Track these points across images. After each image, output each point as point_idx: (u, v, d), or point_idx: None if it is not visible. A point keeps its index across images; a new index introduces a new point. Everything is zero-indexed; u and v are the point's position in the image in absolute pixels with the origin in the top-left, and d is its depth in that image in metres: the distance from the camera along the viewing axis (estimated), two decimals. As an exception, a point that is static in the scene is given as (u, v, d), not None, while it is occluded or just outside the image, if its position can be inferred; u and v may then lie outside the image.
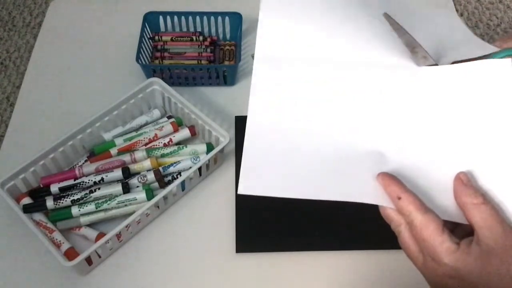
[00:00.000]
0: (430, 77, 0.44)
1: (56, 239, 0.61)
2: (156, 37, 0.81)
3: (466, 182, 0.40)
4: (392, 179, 0.40)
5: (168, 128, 0.70)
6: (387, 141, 0.43)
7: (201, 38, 0.81)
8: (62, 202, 0.62)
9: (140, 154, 0.67)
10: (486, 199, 0.38)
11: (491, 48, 0.47)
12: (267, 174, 0.41)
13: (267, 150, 0.41)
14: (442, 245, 0.37)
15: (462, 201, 0.39)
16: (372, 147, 0.42)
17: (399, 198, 0.39)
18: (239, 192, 0.39)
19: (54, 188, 0.64)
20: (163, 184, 0.65)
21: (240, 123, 0.73)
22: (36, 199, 0.64)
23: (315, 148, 0.42)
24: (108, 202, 0.62)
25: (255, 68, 0.44)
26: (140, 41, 0.76)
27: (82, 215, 0.62)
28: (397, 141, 0.43)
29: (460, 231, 0.39)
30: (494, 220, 0.37)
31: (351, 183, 0.41)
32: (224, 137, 0.66)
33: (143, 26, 0.79)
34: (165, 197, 0.63)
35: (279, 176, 0.41)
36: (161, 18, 0.81)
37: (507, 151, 0.40)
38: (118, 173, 0.64)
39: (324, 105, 0.43)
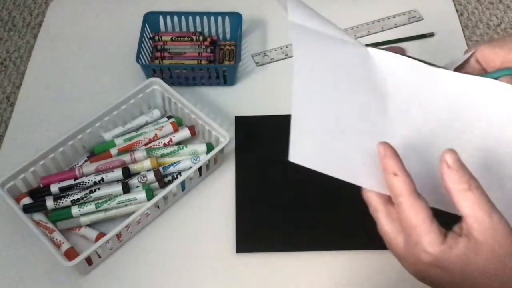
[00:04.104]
0: (438, 79, 0.45)
1: (56, 239, 0.61)
2: (156, 37, 0.81)
3: (451, 164, 0.36)
4: (393, 152, 0.38)
5: (168, 128, 0.70)
6: (394, 129, 0.43)
7: (201, 38, 0.81)
8: (62, 202, 0.62)
9: (140, 154, 0.67)
10: (473, 184, 0.35)
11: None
12: (314, 147, 0.39)
13: (313, 122, 0.40)
14: (429, 235, 0.36)
15: (447, 186, 0.37)
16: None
17: (395, 175, 0.37)
18: (290, 159, 0.37)
19: (54, 188, 0.64)
20: (163, 184, 0.65)
21: (240, 123, 0.73)
22: (36, 199, 0.64)
23: (351, 128, 0.41)
24: (108, 202, 0.62)
25: (292, 34, 0.42)
26: (140, 41, 0.76)
27: (82, 215, 0.62)
28: (400, 129, 0.43)
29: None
30: (482, 210, 0.35)
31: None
32: (224, 137, 0.66)
33: (143, 26, 0.79)
34: (165, 197, 0.63)
35: (322, 151, 0.39)
36: (161, 18, 0.81)
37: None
38: (118, 173, 0.64)
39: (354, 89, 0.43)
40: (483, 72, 0.49)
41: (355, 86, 0.43)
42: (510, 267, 0.35)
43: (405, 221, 0.37)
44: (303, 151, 0.38)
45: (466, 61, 0.49)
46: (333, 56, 0.43)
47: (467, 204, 0.35)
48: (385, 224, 0.39)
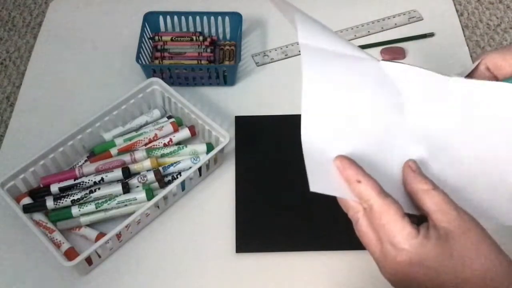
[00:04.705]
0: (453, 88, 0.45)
1: (56, 239, 0.61)
2: (156, 37, 0.81)
3: (415, 169, 0.40)
4: (350, 162, 0.39)
5: (168, 128, 0.70)
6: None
7: (201, 38, 0.81)
8: (62, 202, 0.62)
9: (140, 154, 0.67)
10: (435, 185, 0.38)
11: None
12: (332, 175, 0.40)
13: (327, 149, 0.40)
14: (403, 230, 0.36)
15: (412, 188, 0.39)
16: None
17: (359, 182, 0.38)
18: (310, 189, 0.38)
19: (54, 188, 0.64)
20: (163, 184, 0.65)
21: (240, 123, 0.73)
22: (36, 199, 0.64)
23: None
24: (108, 202, 0.62)
25: (303, 55, 0.41)
26: (140, 41, 0.76)
27: (82, 215, 0.62)
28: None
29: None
30: (446, 204, 0.37)
31: None
32: (224, 137, 0.66)
33: (143, 26, 0.79)
34: (165, 197, 0.63)
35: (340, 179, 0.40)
36: (161, 18, 0.81)
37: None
38: (118, 173, 0.64)
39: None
40: (494, 80, 0.49)
41: (370, 104, 0.43)
42: (484, 253, 0.36)
43: (378, 222, 0.37)
44: (321, 180, 0.39)
45: (476, 69, 0.49)
46: (345, 79, 0.43)
47: (432, 201, 0.37)
48: (365, 225, 0.39)
